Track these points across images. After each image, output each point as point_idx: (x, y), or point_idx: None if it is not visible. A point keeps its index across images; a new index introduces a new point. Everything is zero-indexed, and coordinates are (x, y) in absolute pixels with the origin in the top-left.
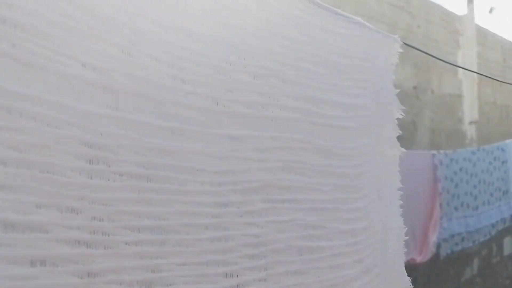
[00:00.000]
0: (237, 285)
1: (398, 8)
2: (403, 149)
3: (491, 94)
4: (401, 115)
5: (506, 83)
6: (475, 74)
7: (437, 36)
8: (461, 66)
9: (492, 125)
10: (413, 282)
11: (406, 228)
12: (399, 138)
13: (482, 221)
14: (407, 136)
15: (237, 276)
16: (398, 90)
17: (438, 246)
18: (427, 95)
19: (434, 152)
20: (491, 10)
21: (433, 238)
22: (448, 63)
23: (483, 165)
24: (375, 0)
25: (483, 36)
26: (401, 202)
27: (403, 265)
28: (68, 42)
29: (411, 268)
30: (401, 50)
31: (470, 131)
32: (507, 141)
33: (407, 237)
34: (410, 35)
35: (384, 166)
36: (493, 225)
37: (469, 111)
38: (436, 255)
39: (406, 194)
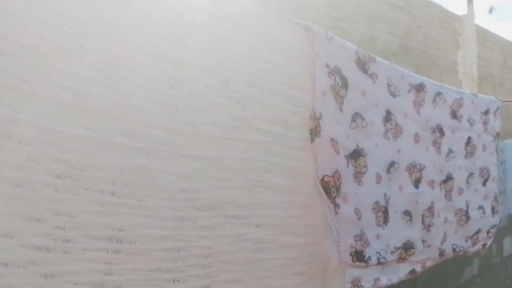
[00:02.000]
0: None
1: (398, 8)
2: None
3: (491, 95)
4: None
5: None
6: (475, 73)
7: (437, 36)
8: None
9: None
10: (413, 282)
11: None
12: None
13: None
14: None
15: (184, 282)
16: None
17: None
18: None
19: None
20: (491, 10)
21: None
22: None
23: None
24: (375, 0)
25: (483, 36)
26: None
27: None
28: (44, 65)
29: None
30: None
31: None
32: (506, 141)
33: None
34: (410, 35)
35: None
36: None
37: None
38: None
39: None
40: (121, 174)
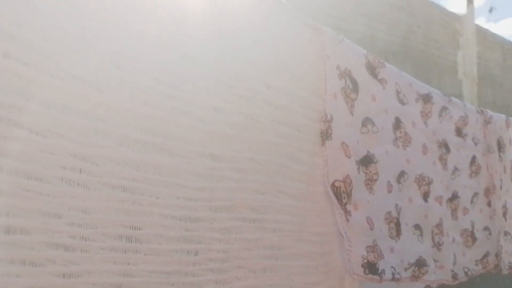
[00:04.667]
0: None
1: (398, 8)
2: None
3: (490, 94)
4: None
5: None
6: (475, 73)
7: (437, 36)
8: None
9: None
10: None
11: None
12: None
13: None
14: None
15: (201, 287)
16: None
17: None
18: None
19: None
20: (491, 10)
21: None
22: None
23: None
24: (375, 0)
25: (483, 36)
26: None
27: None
28: (59, 55)
29: None
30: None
31: None
32: None
33: None
34: (410, 35)
35: None
36: None
37: None
38: None
39: None
40: (138, 169)
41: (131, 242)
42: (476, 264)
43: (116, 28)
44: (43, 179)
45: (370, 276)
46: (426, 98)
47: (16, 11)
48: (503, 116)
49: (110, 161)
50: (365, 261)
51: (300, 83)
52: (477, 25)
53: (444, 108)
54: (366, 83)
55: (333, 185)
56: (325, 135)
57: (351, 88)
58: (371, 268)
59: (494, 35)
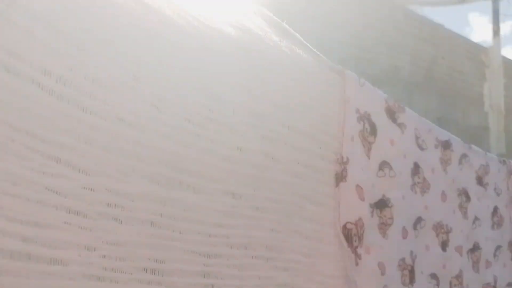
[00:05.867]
0: None
1: (422, 39)
2: None
3: None
4: None
5: None
6: (502, 106)
7: (462, 67)
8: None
9: None
10: None
11: None
12: None
13: None
14: None
15: None
16: None
17: None
18: (452, 126)
19: None
20: None
21: None
22: None
23: None
24: (398, 30)
25: (510, 68)
26: None
27: None
28: (105, 97)
29: None
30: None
31: None
32: None
33: None
34: (434, 66)
35: None
36: None
37: (495, 144)
38: None
39: None
40: (165, 205)
41: (155, 274)
42: None
43: (156, 73)
44: (82, 213)
45: None
46: (446, 145)
47: (67, 56)
48: None
49: (142, 197)
50: None
51: (319, 125)
52: (504, 57)
53: (464, 156)
54: (385, 127)
55: (344, 227)
56: (340, 177)
57: (369, 131)
58: None
59: None
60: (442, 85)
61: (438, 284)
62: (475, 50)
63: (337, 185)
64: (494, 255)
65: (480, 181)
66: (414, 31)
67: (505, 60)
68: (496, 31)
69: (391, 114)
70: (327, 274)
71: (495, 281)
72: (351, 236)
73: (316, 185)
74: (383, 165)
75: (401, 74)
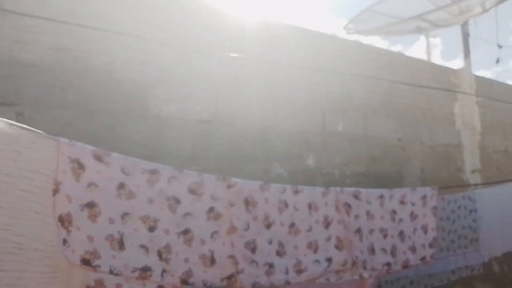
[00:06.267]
0: None
1: (378, 68)
2: None
3: (500, 142)
4: None
5: None
6: (477, 123)
7: (428, 91)
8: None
9: (504, 173)
10: None
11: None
12: None
13: (437, 266)
14: (392, 185)
15: None
16: None
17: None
18: (415, 145)
19: None
20: (497, 61)
21: (372, 279)
22: None
23: (442, 213)
24: (352, 62)
25: (488, 86)
26: None
27: None
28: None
29: None
30: None
31: (474, 179)
32: (477, 191)
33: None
34: (392, 91)
35: None
36: (453, 271)
37: (470, 160)
38: None
39: None
40: None
41: None
42: (221, 281)
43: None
44: None
45: (85, 266)
46: (153, 172)
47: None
48: (255, 183)
49: None
50: (82, 258)
51: (39, 167)
52: (479, 77)
53: (173, 177)
54: (91, 164)
55: (60, 216)
56: (55, 191)
57: (78, 167)
58: (86, 262)
59: (502, 84)
60: (403, 108)
61: (148, 252)
62: (442, 73)
63: (54, 195)
64: (211, 237)
65: (192, 191)
66: (369, 62)
67: (480, 79)
68: (466, 53)
69: (98, 157)
70: (52, 240)
71: (212, 253)
72: (64, 221)
73: (40, 196)
74: (91, 184)
75: (354, 101)
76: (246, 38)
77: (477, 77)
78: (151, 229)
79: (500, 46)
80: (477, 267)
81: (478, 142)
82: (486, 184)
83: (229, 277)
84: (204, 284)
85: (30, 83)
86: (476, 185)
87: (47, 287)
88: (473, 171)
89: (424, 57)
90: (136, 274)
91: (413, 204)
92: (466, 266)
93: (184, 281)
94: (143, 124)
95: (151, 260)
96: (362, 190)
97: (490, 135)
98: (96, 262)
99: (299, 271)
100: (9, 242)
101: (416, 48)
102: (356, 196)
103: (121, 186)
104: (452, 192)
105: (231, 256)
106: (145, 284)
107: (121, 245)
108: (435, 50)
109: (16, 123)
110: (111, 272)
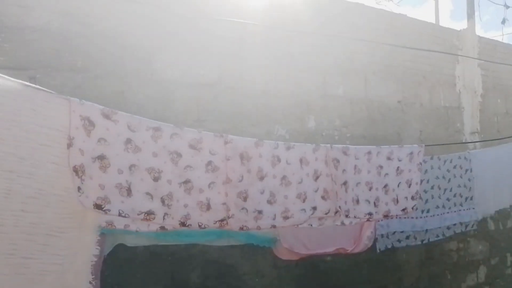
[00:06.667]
0: None
1: (379, 30)
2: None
3: (502, 105)
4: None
5: None
6: (478, 85)
7: (428, 53)
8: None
9: (504, 135)
10: None
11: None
12: None
13: (433, 223)
14: None
15: None
16: None
17: (375, 240)
18: (415, 107)
19: None
20: (504, 21)
21: (368, 233)
22: None
23: (438, 172)
24: (353, 25)
25: (492, 48)
26: None
27: None
28: None
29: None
30: None
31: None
32: (472, 151)
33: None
34: (393, 54)
35: None
36: (448, 228)
37: (470, 122)
38: (373, 248)
39: None
40: None
41: None
42: (214, 223)
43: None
44: None
45: (97, 210)
46: (156, 129)
47: None
48: (250, 140)
49: None
50: (95, 203)
51: (55, 123)
52: (483, 38)
53: (175, 133)
54: (101, 121)
55: (74, 167)
56: (69, 145)
57: (88, 124)
58: (98, 207)
59: (506, 45)
60: (403, 71)
61: (152, 198)
62: (444, 35)
63: (68, 148)
64: (209, 186)
65: (192, 146)
66: (370, 25)
67: (484, 40)
68: (470, 14)
69: (106, 115)
70: (68, 187)
71: (208, 201)
72: (78, 171)
73: (56, 150)
74: (101, 139)
75: (355, 64)
76: (249, 3)
77: (480, 38)
78: (156, 179)
79: (507, 7)
80: (471, 224)
81: (479, 104)
82: (481, 141)
83: (221, 221)
84: (199, 226)
85: (40, 48)
86: (468, 143)
87: (64, 226)
88: (472, 133)
89: (432, 17)
90: (142, 216)
91: (399, 160)
92: (461, 223)
93: (183, 224)
94: (150, 87)
95: (155, 205)
96: (351, 146)
97: (491, 98)
98: (107, 207)
99: (286, 218)
100: (32, 188)
101: (425, 8)
102: (344, 152)
103: (128, 141)
104: (448, 152)
105: (224, 204)
106: (149, 225)
107: (128, 192)
108: (445, 10)
109: (30, 84)
110: (119, 214)
